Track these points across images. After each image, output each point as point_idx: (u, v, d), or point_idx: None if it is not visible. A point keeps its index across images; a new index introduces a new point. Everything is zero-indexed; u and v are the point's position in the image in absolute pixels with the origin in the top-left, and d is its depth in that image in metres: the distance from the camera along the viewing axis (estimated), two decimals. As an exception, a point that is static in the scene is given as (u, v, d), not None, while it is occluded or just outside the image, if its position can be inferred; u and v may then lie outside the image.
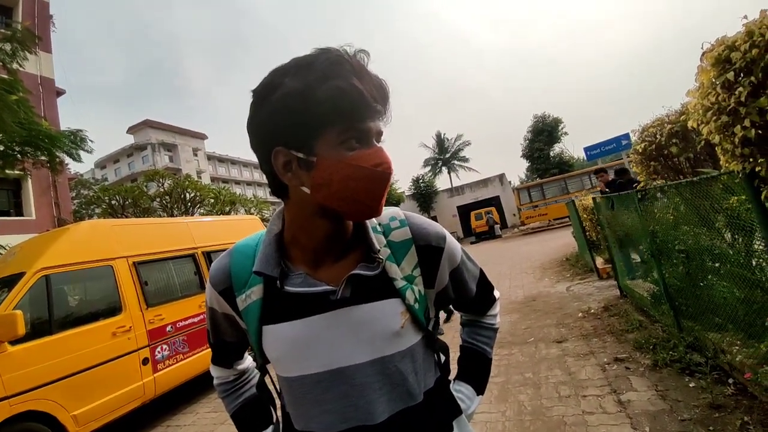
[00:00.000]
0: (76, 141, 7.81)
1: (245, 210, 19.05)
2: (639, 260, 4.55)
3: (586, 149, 10.01)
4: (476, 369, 0.89)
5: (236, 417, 0.88)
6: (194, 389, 4.70)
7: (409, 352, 0.70)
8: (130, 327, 3.94)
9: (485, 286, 0.89)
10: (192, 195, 17.27)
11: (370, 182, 0.61)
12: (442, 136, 39.42)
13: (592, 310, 4.80)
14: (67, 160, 8.35)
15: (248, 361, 0.93)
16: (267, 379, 0.84)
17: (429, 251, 0.74)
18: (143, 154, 40.28)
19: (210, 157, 46.57)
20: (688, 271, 3.09)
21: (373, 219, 0.75)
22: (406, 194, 32.47)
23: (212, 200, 17.74)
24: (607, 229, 5.03)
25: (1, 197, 12.02)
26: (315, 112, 0.58)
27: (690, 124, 2.25)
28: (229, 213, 17.38)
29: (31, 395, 3.15)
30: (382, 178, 0.61)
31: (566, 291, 6.24)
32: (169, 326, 4.32)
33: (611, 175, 6.33)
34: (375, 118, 0.62)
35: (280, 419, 0.81)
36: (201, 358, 4.56)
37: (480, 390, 0.87)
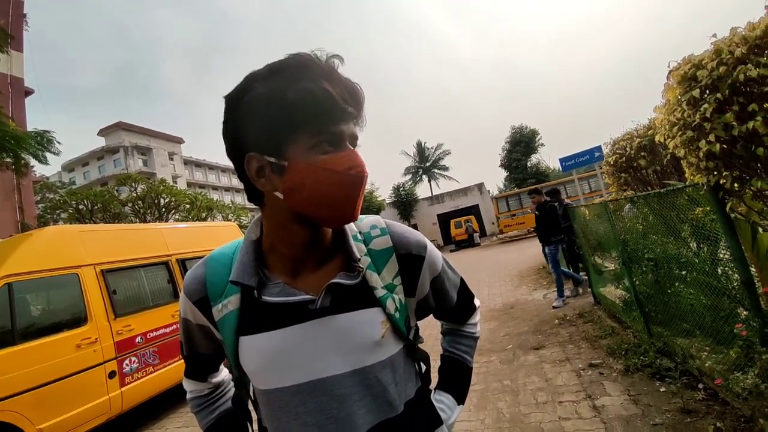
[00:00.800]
0: (42, 142, 7.48)
1: (223, 216, 18.59)
2: (611, 268, 4.70)
3: (562, 160, 10.31)
4: (457, 378, 0.88)
5: (211, 430, 0.84)
6: (165, 403, 4.50)
7: (390, 362, 0.69)
8: (96, 339, 3.74)
9: (466, 294, 0.89)
10: (167, 200, 16.69)
11: (342, 186, 0.60)
12: (423, 144, 39.94)
13: (568, 317, 4.91)
14: (33, 162, 7.97)
15: (224, 374, 0.90)
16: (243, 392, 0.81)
17: (410, 260, 0.74)
18: (115, 158, 38.87)
19: (186, 162, 45.40)
20: (657, 278, 3.21)
21: (354, 227, 0.74)
22: (387, 202, 32.58)
23: (188, 206, 17.18)
24: (582, 238, 5.18)
25: (-41, 200, 11.31)
26: (285, 116, 0.58)
27: (657, 138, 2.35)
28: (205, 219, 16.95)
29: (-3, 406, 2.95)
30: (354, 181, 0.60)
31: (543, 298, 6.36)
32: (139, 337, 4.13)
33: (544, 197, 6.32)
34: (348, 120, 0.61)
35: None
36: (172, 371, 4.38)
37: (460, 399, 0.86)
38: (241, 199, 42.70)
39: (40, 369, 3.29)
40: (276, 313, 0.65)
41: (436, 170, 39.82)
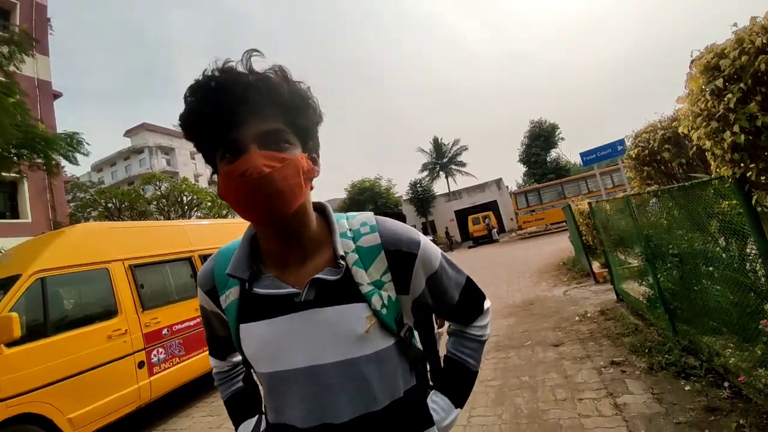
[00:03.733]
0: (72, 143, 7.78)
1: None
2: (634, 264, 4.59)
3: (582, 154, 10.06)
4: (456, 381, 0.86)
5: (228, 404, 0.95)
6: (191, 393, 4.67)
7: (376, 357, 0.71)
8: (126, 330, 3.92)
9: (471, 294, 0.87)
10: (189, 198, 17.21)
11: (241, 190, 0.62)
12: (440, 140, 39.54)
13: (589, 314, 4.82)
14: (64, 162, 8.33)
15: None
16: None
17: (400, 257, 0.74)
18: (140, 158, 40.17)
19: (207, 161, 46.42)
20: (682, 275, 3.12)
21: (345, 224, 0.77)
22: (404, 198, 32.49)
23: (209, 203, 17.69)
24: (603, 234, 5.07)
25: (-2, 200, 11.97)
26: (188, 136, 0.66)
27: (681, 129, 2.28)
28: (226, 216, 17.37)
29: (27, 398, 3.13)
30: (248, 184, 0.61)
31: (563, 295, 6.26)
32: (165, 329, 4.30)
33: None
34: (238, 125, 0.62)
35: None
36: (197, 362, 4.54)
37: (458, 403, 0.84)
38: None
39: (71, 360, 3.46)
40: (266, 304, 0.71)
41: (453, 166, 39.35)
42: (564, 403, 2.86)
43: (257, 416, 0.89)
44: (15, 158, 6.79)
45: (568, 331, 4.40)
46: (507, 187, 33.07)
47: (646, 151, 3.68)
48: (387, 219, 0.81)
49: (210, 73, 0.62)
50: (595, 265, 6.62)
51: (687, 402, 2.50)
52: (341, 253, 0.71)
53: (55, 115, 14.58)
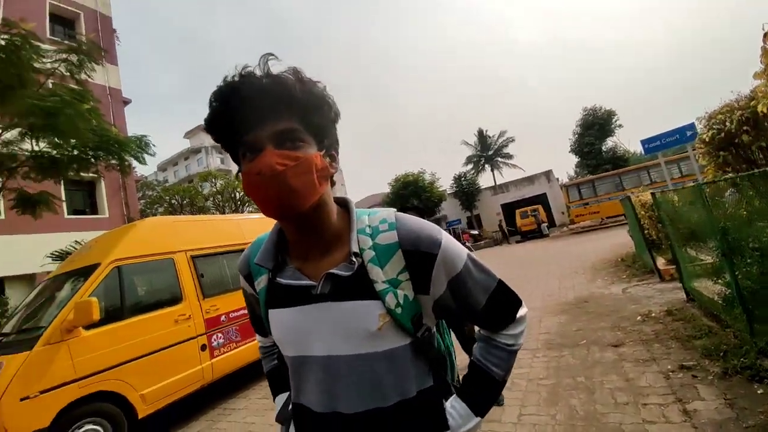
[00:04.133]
0: (141, 145, 8.48)
1: None
2: (708, 260, 4.17)
3: (644, 142, 9.27)
4: (478, 389, 0.82)
5: (268, 376, 1.05)
6: (247, 376, 4.95)
7: (388, 355, 0.72)
8: (190, 315, 4.24)
9: (501, 299, 0.81)
10: (241, 194, 18.25)
11: (256, 188, 0.67)
12: (485, 132, 38.38)
13: (653, 314, 4.46)
14: (134, 163, 9.12)
15: None
16: None
17: (418, 256, 0.73)
18: (198, 157, 42.99)
19: (257, 159, 48.70)
20: (764, 271, 2.79)
21: (366, 220, 0.78)
22: (449, 192, 31.97)
23: None
24: (670, 227, 4.64)
25: (79, 198, 13.36)
26: (213, 138, 0.72)
27: (760, 108, 2.02)
28: None
29: (102, 376, 3.45)
30: (262, 182, 0.66)
31: (622, 293, 5.85)
32: (223, 316, 4.60)
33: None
34: (255, 127, 0.67)
35: None
36: (252, 348, 4.80)
37: (479, 411, 0.80)
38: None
39: (143, 341, 3.80)
40: (287, 294, 0.76)
41: (499, 159, 38.10)
42: (626, 408, 2.67)
43: (288, 392, 0.94)
44: (92, 159, 7.53)
45: (628, 332, 4.10)
46: (558, 179, 31.43)
47: (722, 134, 3.30)
48: (409, 217, 0.80)
49: (230, 79, 0.67)
50: (660, 262, 6.10)
51: (758, 405, 2.30)
52: (355, 249, 0.73)
53: (126, 119, 15.99)
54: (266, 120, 0.67)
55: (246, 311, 4.74)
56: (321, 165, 0.71)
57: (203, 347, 4.27)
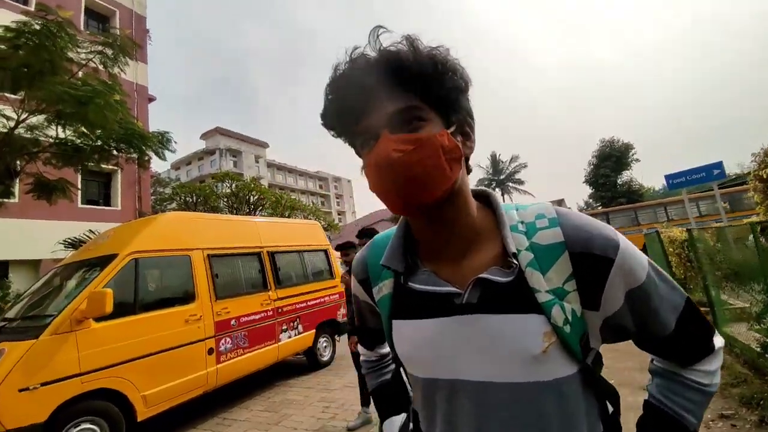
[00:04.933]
0: (163, 141, 8.54)
1: (304, 216, 19.89)
2: (746, 305, 3.96)
3: (668, 177, 9.12)
4: None
5: (374, 394, 0.90)
6: (248, 386, 4.76)
7: (554, 387, 0.57)
8: (200, 316, 4.09)
9: (693, 323, 0.62)
10: (255, 198, 18.38)
11: (378, 178, 0.59)
12: (497, 157, 38.53)
13: (684, 357, 4.22)
14: (152, 158, 9.18)
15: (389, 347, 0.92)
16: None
17: (590, 261, 0.58)
18: (212, 159, 43.46)
19: (269, 165, 49.15)
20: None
21: (515, 215, 0.64)
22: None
23: (273, 204, 18.78)
24: (708, 267, 4.43)
25: (94, 188, 13.40)
26: (331, 134, 0.65)
27: None
28: (288, 217, 18.27)
29: (106, 372, 3.29)
30: (381, 172, 0.57)
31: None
32: (233, 320, 4.43)
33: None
34: (370, 113, 0.58)
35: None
36: (259, 356, 4.63)
37: None
38: (313, 202, 45.01)
39: (152, 339, 3.64)
40: (423, 302, 0.63)
41: (510, 183, 38.10)
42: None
43: (404, 415, 0.82)
44: (114, 151, 7.58)
45: (659, 373, 3.87)
46: (569, 208, 31.18)
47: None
48: (571, 211, 0.64)
49: (338, 68, 0.60)
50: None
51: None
52: (513, 249, 0.58)
53: (149, 116, 16.24)
54: (378, 102, 0.57)
55: (256, 317, 4.63)
56: (449, 145, 0.58)
57: (210, 351, 4.10)
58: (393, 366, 0.90)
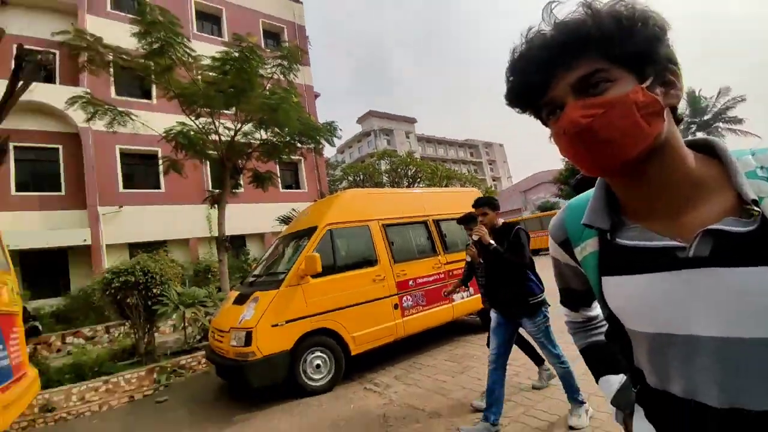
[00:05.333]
0: (331, 130, 9.91)
1: (461, 184, 20.32)
2: None
3: None
4: None
5: (584, 353, 0.92)
6: (431, 340, 5.27)
7: None
8: (384, 277, 4.75)
9: None
10: (413, 171, 19.66)
11: (569, 145, 0.60)
12: (697, 93, 29.68)
13: None
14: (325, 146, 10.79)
15: (597, 310, 0.90)
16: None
17: None
18: (368, 140, 47.72)
19: (419, 139, 50.85)
20: None
21: (750, 161, 0.58)
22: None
23: (430, 175, 19.89)
24: None
25: (287, 176, 16.71)
26: (517, 111, 0.67)
27: None
28: (446, 186, 18.93)
29: (325, 316, 4.24)
30: (571, 141, 0.59)
31: None
32: (411, 281, 4.98)
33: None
34: (558, 80, 0.59)
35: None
36: (436, 313, 5.11)
37: None
38: (470, 169, 44.57)
39: (351, 293, 4.46)
40: (635, 258, 0.62)
41: (721, 124, 29.10)
42: None
43: (621, 376, 0.81)
44: (298, 144, 9.22)
45: None
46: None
47: None
48: None
49: (515, 51, 0.62)
50: None
51: None
52: (753, 196, 0.54)
53: (316, 110, 18.90)
54: (560, 72, 0.58)
55: (429, 279, 5.04)
56: (644, 100, 0.56)
57: (395, 306, 4.74)
58: (604, 327, 0.87)
